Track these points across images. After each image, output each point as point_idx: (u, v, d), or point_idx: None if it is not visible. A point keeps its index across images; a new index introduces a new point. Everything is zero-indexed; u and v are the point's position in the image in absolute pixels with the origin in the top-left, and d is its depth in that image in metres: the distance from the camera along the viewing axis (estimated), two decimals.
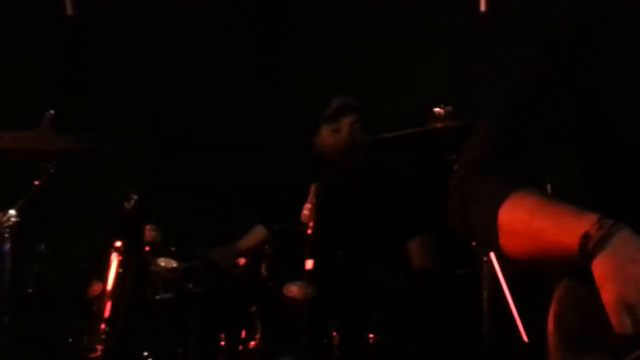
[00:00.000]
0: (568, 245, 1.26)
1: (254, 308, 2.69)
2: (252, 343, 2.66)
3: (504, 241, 1.33)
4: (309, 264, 2.54)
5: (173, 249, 2.79)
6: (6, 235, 2.58)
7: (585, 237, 1.22)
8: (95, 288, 2.70)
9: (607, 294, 1.21)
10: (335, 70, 3.96)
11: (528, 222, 1.33)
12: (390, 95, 3.63)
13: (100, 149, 2.81)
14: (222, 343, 2.68)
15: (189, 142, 3.73)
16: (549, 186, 1.56)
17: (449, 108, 2.58)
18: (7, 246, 2.61)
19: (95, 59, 3.70)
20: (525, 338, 2.33)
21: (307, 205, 2.55)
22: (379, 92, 3.74)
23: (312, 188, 2.59)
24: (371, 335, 2.77)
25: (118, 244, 2.66)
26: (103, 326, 2.59)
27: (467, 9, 3.11)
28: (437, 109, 2.59)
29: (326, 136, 3.47)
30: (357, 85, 3.73)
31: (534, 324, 2.40)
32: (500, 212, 1.33)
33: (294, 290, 2.70)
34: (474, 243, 2.25)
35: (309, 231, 2.56)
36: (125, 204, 2.73)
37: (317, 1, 4.29)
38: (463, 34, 3.26)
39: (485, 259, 2.50)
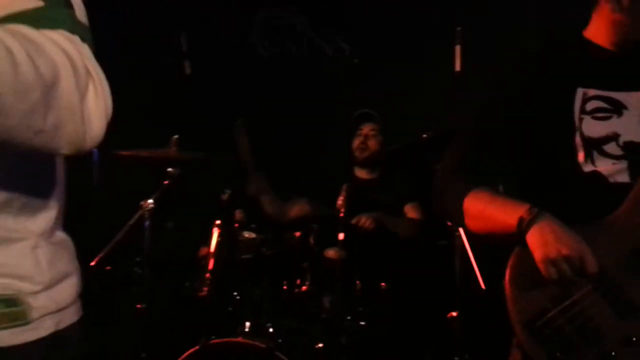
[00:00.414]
0: (509, 225, 1.66)
1: (305, 264, 3.29)
2: (304, 287, 3.27)
3: (467, 222, 1.80)
4: (341, 236, 3.19)
5: (253, 225, 3.36)
6: (146, 216, 3.32)
7: (521, 219, 1.63)
8: (203, 251, 3.35)
9: (537, 255, 1.60)
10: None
11: (483, 209, 1.76)
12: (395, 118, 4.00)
13: (207, 159, 3.52)
14: (284, 287, 3.30)
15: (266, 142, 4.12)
16: (501, 186, 1.99)
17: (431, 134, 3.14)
18: (147, 223, 3.34)
19: (204, 101, 4.33)
20: (482, 286, 2.98)
21: (341, 197, 3.22)
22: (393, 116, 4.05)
23: (344, 187, 3.28)
24: (383, 284, 3.39)
25: (218, 222, 3.30)
26: (208, 275, 3.22)
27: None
28: (424, 135, 3.19)
29: (354, 141, 3.94)
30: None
31: (489, 277, 3.04)
32: (465, 202, 1.77)
33: (331, 253, 3.35)
34: (449, 222, 2.97)
35: (341, 214, 3.24)
36: (222, 196, 3.41)
37: None
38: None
39: (457, 233, 3.07)
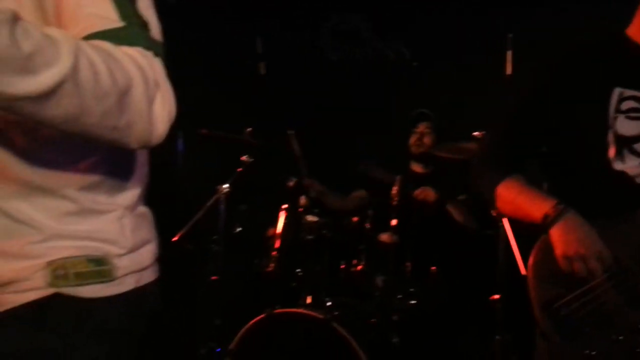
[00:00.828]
0: (536, 218, 1.73)
1: (361, 247, 3.39)
2: (359, 267, 3.38)
3: (499, 206, 1.86)
4: (394, 222, 3.31)
5: (315, 210, 3.49)
6: (222, 199, 3.48)
7: (546, 215, 1.68)
8: (271, 231, 3.48)
9: (557, 251, 1.67)
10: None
11: (514, 198, 1.82)
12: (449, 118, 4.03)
13: (276, 149, 3.69)
14: (342, 266, 3.43)
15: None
16: (545, 185, 1.95)
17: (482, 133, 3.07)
18: (222, 206, 3.51)
19: (276, 98, 4.41)
20: (523, 272, 2.91)
21: (395, 187, 3.34)
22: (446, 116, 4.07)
23: (398, 178, 3.38)
24: (433, 268, 3.50)
25: (284, 206, 3.46)
26: (274, 253, 3.37)
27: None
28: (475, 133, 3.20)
29: (410, 138, 3.99)
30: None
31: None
32: (497, 189, 1.83)
33: (384, 237, 3.41)
34: (494, 212, 2.94)
35: (394, 202, 3.35)
36: (289, 183, 3.60)
37: None
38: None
39: (500, 223, 3.11)
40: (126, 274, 1.27)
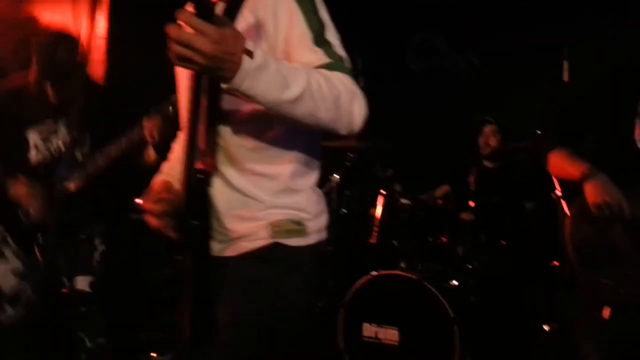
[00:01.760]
0: (575, 176, 2.09)
1: (445, 223, 3.76)
2: (443, 239, 3.74)
3: (550, 169, 2.24)
4: (472, 203, 3.67)
5: (408, 195, 3.75)
6: (332, 187, 3.83)
7: (583, 174, 2.05)
8: (372, 211, 3.73)
9: (589, 199, 2.01)
10: None
11: (560, 163, 2.19)
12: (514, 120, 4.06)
13: (376, 147, 3.83)
14: (429, 239, 3.77)
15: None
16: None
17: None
18: (334, 192, 3.87)
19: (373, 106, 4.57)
20: None
21: (471, 177, 3.75)
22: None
23: (474, 170, 3.73)
24: (502, 241, 3.71)
25: (383, 192, 3.72)
26: (375, 229, 3.67)
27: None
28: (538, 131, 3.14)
29: (479, 139, 4.15)
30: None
31: None
32: (549, 156, 2.22)
33: (464, 215, 3.74)
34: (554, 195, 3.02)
35: (472, 188, 3.71)
36: (387, 173, 3.84)
37: None
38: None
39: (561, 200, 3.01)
40: (313, 233, 1.59)
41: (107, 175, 2.66)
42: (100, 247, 2.91)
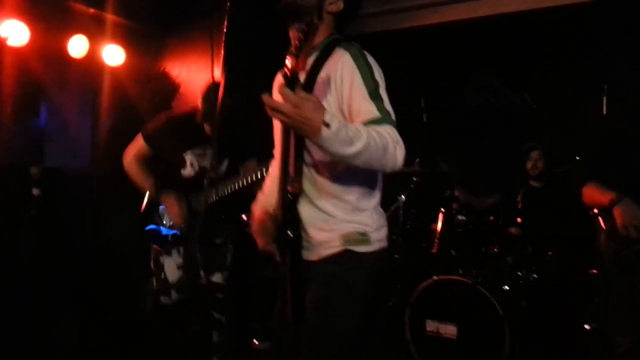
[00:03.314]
0: (604, 203, 2.26)
1: (496, 236, 3.80)
2: (495, 250, 3.76)
3: (584, 199, 2.38)
4: (519, 219, 3.81)
5: (463, 212, 3.87)
6: (401, 205, 3.95)
7: (611, 200, 2.22)
8: (434, 226, 3.91)
9: (618, 222, 2.17)
10: None
11: (592, 194, 2.34)
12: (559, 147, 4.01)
13: (435, 172, 4.00)
14: (482, 249, 3.80)
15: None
16: None
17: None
18: (401, 210, 3.98)
19: (434, 136, 4.29)
20: None
21: (519, 196, 3.91)
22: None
23: (522, 189, 3.88)
24: (549, 252, 3.75)
25: (442, 209, 3.90)
26: (436, 240, 3.84)
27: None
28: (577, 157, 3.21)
29: (527, 163, 4.22)
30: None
31: None
32: (583, 189, 2.37)
33: (513, 230, 3.88)
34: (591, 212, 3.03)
35: (519, 206, 3.85)
36: (445, 193, 3.95)
37: None
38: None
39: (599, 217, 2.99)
40: (375, 241, 1.77)
41: (234, 196, 2.89)
42: (232, 250, 3.14)
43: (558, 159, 4.03)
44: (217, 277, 3.08)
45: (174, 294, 3.08)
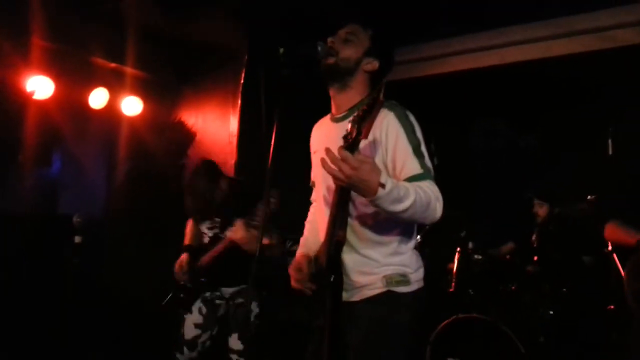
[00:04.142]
0: (630, 243, 2.37)
1: (513, 275, 3.80)
2: (512, 288, 3.76)
3: (606, 236, 2.51)
4: (535, 258, 3.78)
5: (480, 251, 3.94)
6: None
7: (638, 241, 2.33)
8: (450, 265, 3.91)
9: None
10: None
11: (614, 232, 2.46)
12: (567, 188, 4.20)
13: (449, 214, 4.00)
14: (500, 287, 3.80)
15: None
16: None
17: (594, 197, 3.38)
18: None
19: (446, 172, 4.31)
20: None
21: (534, 235, 3.91)
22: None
23: (536, 230, 3.98)
24: (564, 289, 3.70)
25: (458, 249, 3.93)
26: (453, 279, 3.82)
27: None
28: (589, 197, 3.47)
29: (534, 205, 4.24)
30: None
31: None
32: (606, 226, 2.48)
33: (529, 268, 3.86)
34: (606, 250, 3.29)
35: (535, 245, 3.89)
36: (461, 234, 3.96)
37: None
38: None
39: (613, 254, 3.28)
40: (414, 281, 1.89)
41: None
42: (256, 310, 3.18)
43: (567, 199, 4.08)
44: (234, 339, 3.13)
45: (186, 351, 3.14)
